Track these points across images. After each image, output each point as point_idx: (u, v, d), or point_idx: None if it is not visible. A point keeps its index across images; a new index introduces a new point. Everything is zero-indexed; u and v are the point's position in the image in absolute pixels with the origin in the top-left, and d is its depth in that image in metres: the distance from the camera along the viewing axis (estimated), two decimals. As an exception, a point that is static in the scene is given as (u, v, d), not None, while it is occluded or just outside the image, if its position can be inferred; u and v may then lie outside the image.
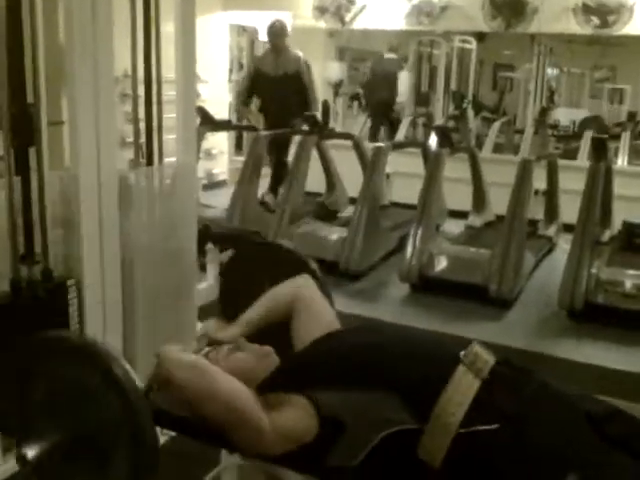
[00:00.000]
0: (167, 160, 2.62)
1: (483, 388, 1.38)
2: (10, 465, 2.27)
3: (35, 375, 1.46)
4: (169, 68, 2.78)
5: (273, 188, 6.20)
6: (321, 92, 7.87)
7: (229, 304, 2.06)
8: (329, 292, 1.92)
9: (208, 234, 3.05)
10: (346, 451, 1.39)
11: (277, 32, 6.08)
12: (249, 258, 2.22)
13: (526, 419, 1.35)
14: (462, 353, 1.44)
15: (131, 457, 1.36)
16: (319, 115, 5.68)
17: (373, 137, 7.77)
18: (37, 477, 1.44)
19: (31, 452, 1.37)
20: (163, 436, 2.51)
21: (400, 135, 7.44)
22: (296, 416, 1.42)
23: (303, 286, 1.84)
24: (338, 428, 1.40)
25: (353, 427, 1.39)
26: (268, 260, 2.11)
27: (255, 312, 1.80)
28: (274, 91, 6.09)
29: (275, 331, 1.79)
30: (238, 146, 8.64)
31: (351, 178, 5.68)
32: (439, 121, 7.62)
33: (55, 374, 1.44)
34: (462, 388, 1.37)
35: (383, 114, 7.96)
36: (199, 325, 2.97)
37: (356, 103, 9.08)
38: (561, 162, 5.73)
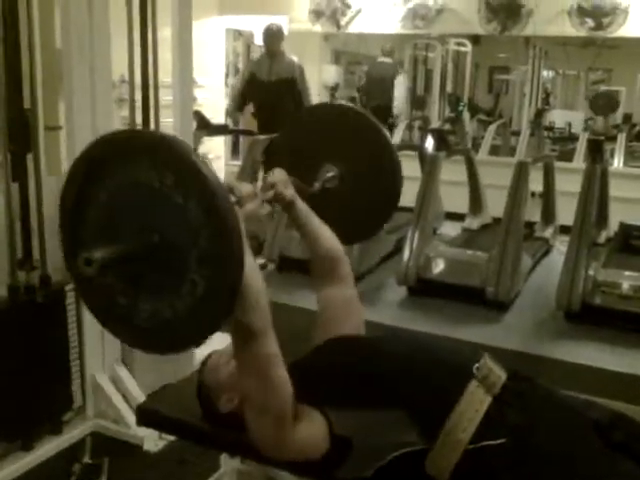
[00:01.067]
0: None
1: (494, 403, 1.37)
2: (7, 471, 2.28)
3: (104, 178, 1.28)
4: (166, 73, 2.79)
5: None
6: (317, 96, 7.89)
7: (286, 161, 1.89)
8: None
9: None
10: (354, 468, 1.38)
11: (272, 36, 6.08)
12: (320, 111, 2.15)
13: (532, 431, 1.33)
14: (475, 367, 1.42)
15: (210, 273, 1.19)
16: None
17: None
18: (101, 281, 1.27)
19: (98, 254, 1.18)
20: (162, 441, 2.52)
21: (396, 138, 7.45)
22: (313, 430, 1.40)
23: (357, 301, 1.79)
24: (347, 447, 1.38)
25: (362, 448, 1.38)
26: (323, 119, 2.02)
27: (311, 215, 1.72)
28: (267, 96, 6.09)
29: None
30: (234, 151, 8.65)
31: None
32: (435, 124, 7.63)
33: (126, 176, 1.25)
34: (474, 404, 1.35)
35: (379, 118, 7.99)
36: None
37: (352, 106, 9.09)
38: (557, 164, 5.74)
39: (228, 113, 6.60)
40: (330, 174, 1.89)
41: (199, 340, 1.25)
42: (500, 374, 1.42)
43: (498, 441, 1.31)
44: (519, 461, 1.30)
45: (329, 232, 1.74)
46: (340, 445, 1.38)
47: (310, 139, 1.96)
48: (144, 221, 1.25)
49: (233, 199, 1.39)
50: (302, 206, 1.70)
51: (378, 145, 1.94)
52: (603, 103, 8.33)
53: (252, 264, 1.31)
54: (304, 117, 2.18)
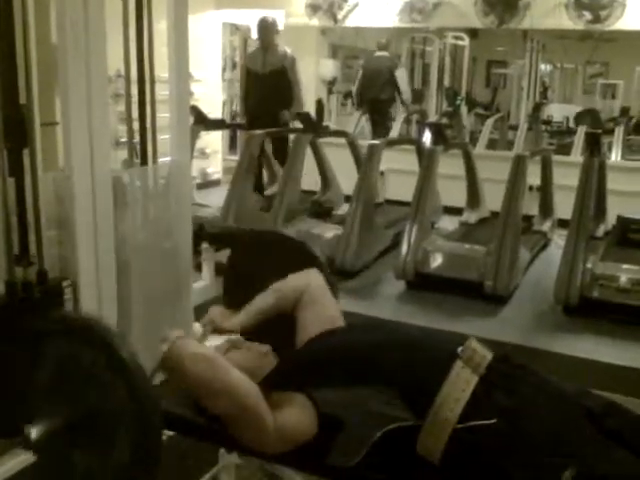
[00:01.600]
0: (161, 160, 2.61)
1: (481, 384, 1.38)
2: (6, 468, 2.27)
3: (39, 355, 1.44)
4: (162, 67, 2.78)
5: (256, 187, 6.14)
6: (315, 90, 7.87)
7: (234, 293, 2.05)
8: (335, 283, 1.92)
9: (203, 233, 3.05)
10: (346, 449, 1.39)
11: (266, 29, 6.06)
12: (255, 247, 2.21)
13: (523, 413, 1.35)
14: (459, 349, 1.44)
15: (135, 441, 1.34)
16: (309, 111, 5.67)
17: (374, 134, 7.77)
18: (39, 458, 1.41)
19: (34, 433, 1.34)
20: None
21: (394, 132, 7.44)
22: (297, 415, 1.42)
23: (312, 280, 1.83)
24: (337, 426, 1.40)
25: (352, 425, 1.40)
26: (275, 249, 2.10)
27: (261, 303, 1.79)
28: (259, 88, 6.08)
29: (277, 325, 1.79)
30: (232, 145, 8.64)
31: (346, 176, 5.68)
32: (433, 118, 7.62)
33: (60, 354, 1.42)
34: (460, 384, 1.38)
35: (375, 111, 7.95)
36: (196, 325, 2.96)
37: (350, 101, 9.08)
38: (555, 157, 5.74)
39: (240, 115, 6.57)
40: None
41: None
42: (485, 354, 1.44)
43: (489, 421, 1.32)
44: (510, 442, 1.31)
45: (286, 295, 1.81)
46: (330, 424, 1.39)
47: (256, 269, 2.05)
48: (77, 394, 1.40)
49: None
50: (247, 321, 1.79)
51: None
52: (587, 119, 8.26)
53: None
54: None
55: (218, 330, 1.74)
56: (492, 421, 1.32)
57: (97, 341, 1.38)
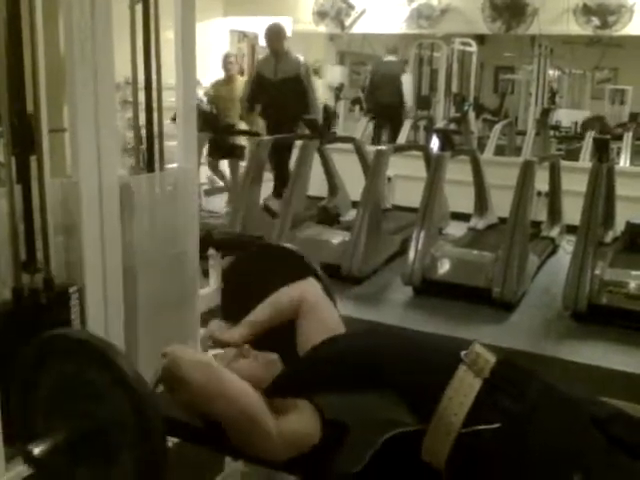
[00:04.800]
0: (168, 166, 2.62)
1: (484, 388, 1.38)
2: (13, 473, 2.27)
3: (41, 372, 1.45)
4: (169, 74, 2.79)
5: (277, 192, 6.20)
6: (322, 96, 7.89)
7: (232, 307, 2.06)
8: (333, 294, 1.92)
9: (210, 240, 3.05)
10: (350, 455, 1.39)
11: (274, 36, 6.08)
12: (252, 260, 2.21)
13: (529, 418, 1.34)
14: (463, 353, 1.43)
15: (138, 456, 1.34)
16: (320, 119, 5.68)
17: (377, 140, 7.77)
18: (42, 474, 1.42)
19: (37, 449, 1.34)
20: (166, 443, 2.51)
21: (402, 138, 7.44)
22: (301, 421, 1.42)
23: (308, 289, 1.83)
24: (342, 431, 1.39)
25: (356, 430, 1.39)
26: (272, 262, 2.10)
27: (260, 314, 1.79)
28: (274, 95, 6.10)
29: (279, 333, 1.79)
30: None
31: (353, 182, 5.68)
32: (440, 124, 7.61)
33: (61, 371, 1.42)
34: (464, 388, 1.37)
35: (385, 117, 7.95)
36: (202, 331, 2.96)
37: (357, 107, 9.10)
38: (563, 163, 5.72)
39: (240, 117, 6.60)
40: None
41: None
42: (489, 358, 1.44)
43: (493, 426, 1.31)
44: (515, 447, 1.30)
45: (283, 305, 1.82)
46: (334, 429, 1.39)
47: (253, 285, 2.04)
48: (79, 410, 1.40)
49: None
50: (246, 333, 1.78)
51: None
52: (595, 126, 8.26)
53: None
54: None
55: (218, 343, 1.74)
56: (496, 425, 1.32)
57: (98, 357, 1.38)
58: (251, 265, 2.16)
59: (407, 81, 7.89)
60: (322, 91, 8.29)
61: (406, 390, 1.40)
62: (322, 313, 1.78)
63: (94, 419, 1.37)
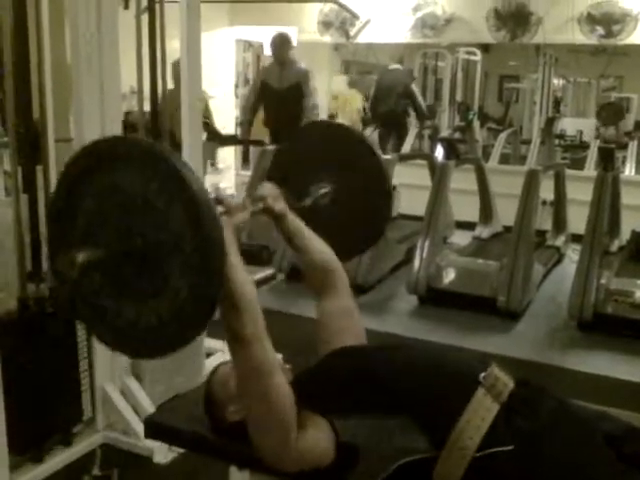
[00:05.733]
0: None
1: (501, 412, 1.36)
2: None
3: (91, 181, 1.29)
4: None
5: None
6: (327, 106, 7.90)
7: (283, 171, 1.99)
8: None
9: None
10: (362, 478, 1.38)
11: (280, 45, 6.11)
12: (305, 136, 2.14)
13: (542, 439, 1.32)
14: (482, 375, 1.41)
15: (192, 280, 1.20)
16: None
17: (382, 149, 7.76)
18: (82, 284, 1.29)
19: (82, 256, 1.20)
20: (172, 452, 2.52)
21: (406, 147, 7.44)
22: (319, 438, 1.40)
23: (352, 304, 1.76)
24: (355, 455, 1.38)
25: (369, 455, 1.37)
26: (326, 135, 2.03)
27: (314, 236, 1.72)
28: (278, 104, 6.12)
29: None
30: (245, 160, 8.67)
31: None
32: (445, 133, 7.61)
33: (112, 178, 1.26)
34: (481, 412, 1.35)
35: (390, 126, 7.94)
36: (206, 341, 2.96)
37: (362, 116, 9.11)
38: (568, 172, 5.72)
39: (239, 124, 6.62)
40: (323, 191, 1.91)
41: (179, 345, 1.27)
42: (507, 382, 1.42)
43: (506, 448, 1.30)
44: (529, 469, 1.29)
45: (322, 245, 1.73)
46: (347, 453, 1.37)
47: (308, 155, 1.98)
48: (128, 225, 1.26)
49: (222, 209, 1.44)
50: (293, 220, 1.71)
51: (372, 168, 1.95)
52: (607, 114, 8.29)
53: (241, 274, 1.33)
54: (305, 132, 2.21)
55: (268, 211, 1.65)
56: (510, 447, 1.30)
57: (154, 166, 1.23)
58: (305, 140, 2.09)
59: (417, 90, 7.88)
60: (327, 100, 8.30)
61: (423, 414, 1.37)
62: (353, 312, 1.74)
63: (150, 233, 1.24)
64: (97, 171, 1.28)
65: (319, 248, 1.73)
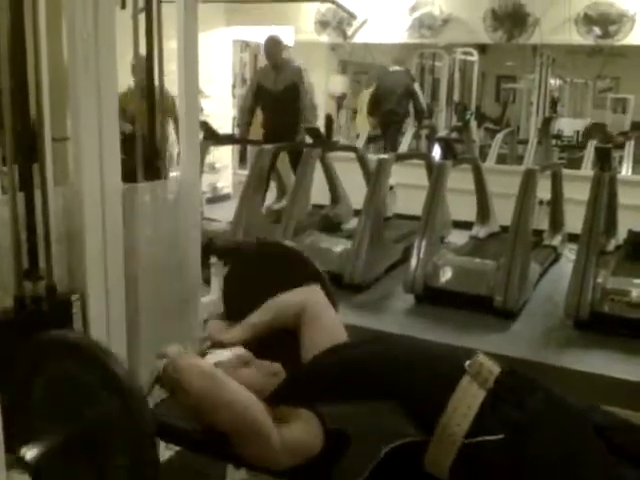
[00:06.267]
0: (171, 174, 2.63)
1: (488, 398, 1.37)
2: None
3: (35, 374, 1.44)
4: (172, 84, 2.80)
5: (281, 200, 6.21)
6: (324, 105, 7.90)
7: (233, 307, 2.05)
8: (333, 295, 1.91)
9: (212, 248, 3.06)
10: (352, 466, 1.38)
11: (272, 48, 6.12)
12: (254, 260, 2.20)
13: (531, 429, 1.34)
14: (467, 363, 1.43)
15: (129, 463, 1.33)
16: (318, 126, 5.71)
17: (384, 149, 7.77)
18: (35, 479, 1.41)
19: (30, 454, 1.33)
20: (168, 450, 2.51)
21: (403, 147, 7.45)
22: (303, 430, 1.42)
23: (311, 296, 1.82)
24: (344, 442, 1.39)
25: (358, 441, 1.39)
26: (273, 261, 2.08)
27: (261, 316, 1.78)
28: (275, 106, 6.12)
29: (282, 340, 1.78)
30: (242, 160, 8.68)
31: (355, 190, 5.69)
32: (442, 133, 7.62)
33: (55, 373, 1.41)
34: (467, 399, 1.37)
35: (389, 125, 7.95)
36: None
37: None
38: (565, 172, 5.72)
39: (237, 124, 6.63)
40: None
41: None
42: (492, 369, 1.43)
43: (496, 437, 1.31)
44: (519, 458, 1.30)
45: (286, 311, 1.80)
46: (336, 439, 1.38)
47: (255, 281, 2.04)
48: (73, 413, 1.38)
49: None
50: (245, 335, 1.77)
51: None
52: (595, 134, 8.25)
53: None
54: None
55: (216, 344, 1.72)
56: (500, 437, 1.31)
57: (90, 360, 1.37)
58: (255, 264, 2.15)
59: (419, 90, 7.89)
60: (324, 100, 8.30)
61: (409, 401, 1.40)
62: (325, 320, 1.78)
63: (86, 422, 1.36)
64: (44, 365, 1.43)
65: (285, 315, 1.80)
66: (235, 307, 1.98)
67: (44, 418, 1.43)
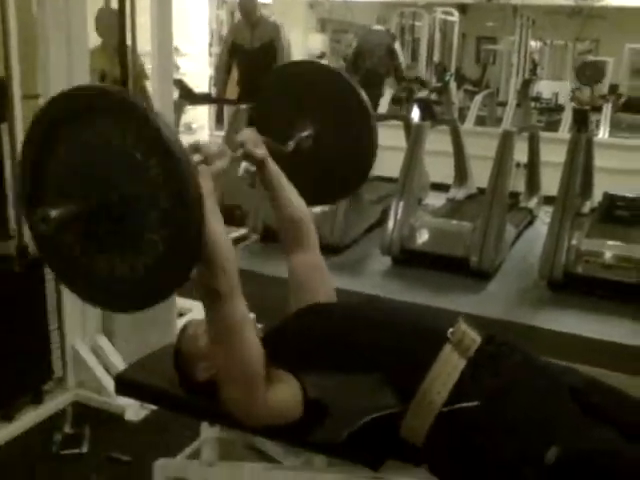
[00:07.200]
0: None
1: (468, 367, 1.37)
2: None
3: (65, 135, 1.27)
4: (145, 41, 2.74)
5: None
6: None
7: (265, 119, 1.96)
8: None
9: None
10: (327, 433, 1.39)
11: (246, 5, 5.99)
12: (284, 78, 2.06)
13: (507, 394, 1.34)
14: (449, 331, 1.42)
15: (169, 234, 1.20)
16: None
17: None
18: (57, 239, 1.29)
19: (55, 212, 1.18)
20: (144, 410, 2.53)
21: (382, 108, 7.40)
22: (287, 393, 1.41)
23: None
24: (322, 411, 1.39)
25: (337, 412, 1.39)
26: (309, 78, 1.96)
27: (285, 182, 1.71)
28: (251, 64, 6.00)
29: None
30: (219, 120, 8.57)
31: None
32: (421, 94, 7.57)
33: (89, 132, 1.25)
34: (448, 367, 1.36)
35: (370, 85, 7.86)
36: (178, 300, 2.96)
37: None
38: (542, 134, 5.73)
39: (213, 83, 6.52)
40: (304, 134, 1.87)
41: (156, 301, 1.27)
42: (475, 338, 1.43)
43: (472, 403, 1.32)
44: (494, 423, 1.31)
45: (298, 199, 1.74)
46: (315, 409, 1.38)
47: (286, 101, 1.94)
48: (104, 179, 1.24)
49: (200, 158, 1.41)
50: (274, 168, 1.69)
51: (356, 109, 1.90)
52: (590, 73, 8.31)
53: (219, 230, 1.31)
54: (285, 73, 2.10)
55: (248, 156, 1.64)
56: (475, 403, 1.32)
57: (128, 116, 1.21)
58: (288, 80, 2.01)
59: (399, 50, 7.79)
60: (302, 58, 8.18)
61: (390, 370, 1.39)
62: (323, 269, 1.74)
63: (125, 185, 1.22)
64: (71, 122, 1.25)
65: (295, 201, 1.74)
66: (267, 121, 1.91)
67: (74, 180, 1.27)
